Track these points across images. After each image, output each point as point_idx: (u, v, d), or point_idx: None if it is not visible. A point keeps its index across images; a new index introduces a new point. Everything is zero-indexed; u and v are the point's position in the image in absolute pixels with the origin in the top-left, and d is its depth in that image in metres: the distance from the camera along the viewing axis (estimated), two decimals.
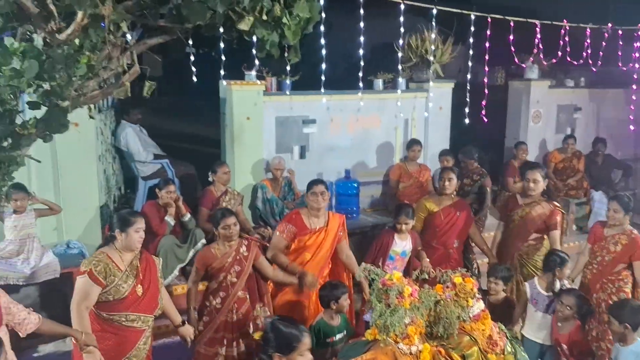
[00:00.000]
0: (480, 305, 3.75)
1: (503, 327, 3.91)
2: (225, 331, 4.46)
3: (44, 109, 3.57)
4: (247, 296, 4.57)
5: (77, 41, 3.60)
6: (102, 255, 3.77)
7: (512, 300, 5.15)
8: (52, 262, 5.23)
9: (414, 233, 5.35)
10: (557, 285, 4.60)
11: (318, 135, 7.45)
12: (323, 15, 4.97)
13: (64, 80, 3.46)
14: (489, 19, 6.53)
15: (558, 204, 5.65)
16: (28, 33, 3.64)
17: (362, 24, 6.10)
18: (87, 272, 3.66)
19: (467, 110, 6.81)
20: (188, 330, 4.20)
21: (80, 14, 3.51)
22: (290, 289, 4.79)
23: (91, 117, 4.55)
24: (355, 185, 7.38)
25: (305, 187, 7.06)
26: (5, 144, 3.51)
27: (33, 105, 3.51)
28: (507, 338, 3.82)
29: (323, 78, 6.41)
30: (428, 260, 5.26)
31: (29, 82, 3.28)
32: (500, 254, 5.69)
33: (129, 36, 4.11)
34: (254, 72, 6.75)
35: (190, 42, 4.42)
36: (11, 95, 3.35)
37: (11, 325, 3.42)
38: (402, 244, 5.22)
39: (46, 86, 3.42)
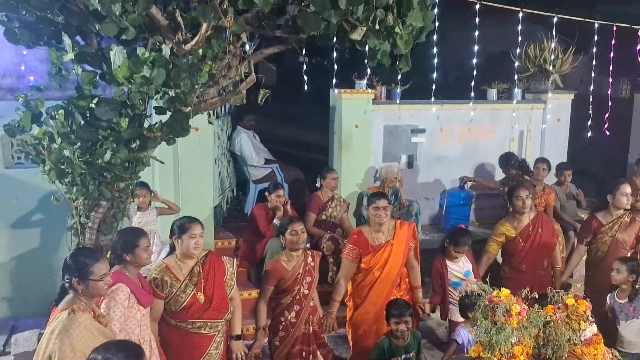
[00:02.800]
0: (593, 328, 3.53)
1: (617, 354, 3.66)
2: (303, 344, 4.40)
3: (168, 114, 3.83)
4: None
5: (200, 51, 3.84)
6: (161, 267, 3.78)
7: None
8: None
9: (469, 253, 5.08)
10: None
11: (427, 144, 7.36)
12: (436, 23, 4.93)
13: (188, 88, 3.70)
14: (614, 28, 6.15)
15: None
16: (157, 43, 3.92)
17: (476, 33, 5.97)
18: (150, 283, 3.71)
19: (588, 123, 6.46)
20: (238, 347, 4.06)
21: (204, 26, 3.75)
22: (368, 304, 4.72)
23: (210, 122, 4.82)
24: (467, 195, 7.18)
25: (411, 197, 7.06)
26: (133, 145, 3.81)
27: (160, 111, 3.78)
28: None
29: (434, 87, 6.32)
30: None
31: (156, 89, 3.55)
32: (595, 279, 5.29)
33: (247, 46, 4.31)
34: (364, 81, 6.82)
35: (304, 51, 4.56)
36: (140, 101, 3.64)
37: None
38: (458, 267, 4.97)
39: (171, 93, 3.68)
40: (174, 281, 3.74)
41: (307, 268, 4.38)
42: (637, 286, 4.43)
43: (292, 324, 4.33)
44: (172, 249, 3.89)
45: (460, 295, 4.41)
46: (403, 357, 4.08)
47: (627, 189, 5.13)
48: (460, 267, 5.01)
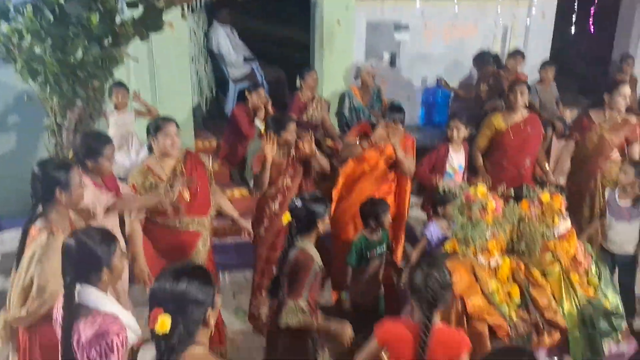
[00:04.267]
0: (567, 224, 3.65)
1: (590, 249, 3.82)
2: (287, 233, 4.53)
3: (141, 8, 3.67)
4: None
5: None
6: (142, 169, 3.77)
7: None
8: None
9: (466, 145, 5.10)
10: None
11: (410, 42, 7.19)
12: None
13: None
14: None
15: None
16: None
17: None
18: (132, 187, 3.73)
19: (573, 18, 6.31)
20: (244, 223, 4.30)
21: None
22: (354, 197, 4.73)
23: (184, 17, 4.64)
24: (447, 95, 7.13)
25: (393, 96, 7.00)
26: (106, 42, 3.67)
27: (131, 5, 3.61)
28: (592, 259, 3.74)
29: None
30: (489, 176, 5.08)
31: None
32: (577, 175, 5.40)
33: None
34: None
35: None
36: None
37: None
38: (458, 157, 4.99)
39: None
40: (158, 181, 3.74)
41: (292, 161, 4.42)
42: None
43: (275, 214, 4.40)
44: (151, 150, 3.85)
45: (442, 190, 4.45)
46: (378, 250, 4.21)
47: (626, 90, 5.04)
48: (458, 158, 5.00)
